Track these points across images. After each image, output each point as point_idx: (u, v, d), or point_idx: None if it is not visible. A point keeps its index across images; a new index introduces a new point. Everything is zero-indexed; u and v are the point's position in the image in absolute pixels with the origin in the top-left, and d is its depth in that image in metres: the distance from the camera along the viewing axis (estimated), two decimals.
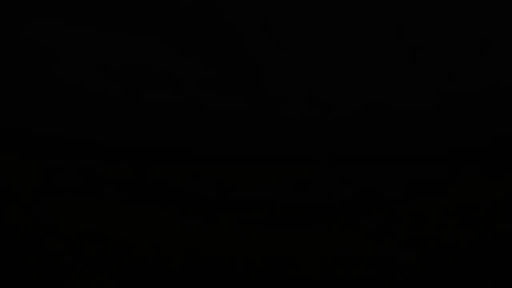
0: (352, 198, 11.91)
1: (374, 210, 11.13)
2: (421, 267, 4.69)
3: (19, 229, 6.89)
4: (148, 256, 5.16)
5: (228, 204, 12.04)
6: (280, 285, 4.08)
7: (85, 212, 9.65)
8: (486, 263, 4.73)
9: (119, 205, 11.40)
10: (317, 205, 11.73)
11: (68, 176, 16.83)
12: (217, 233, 7.46)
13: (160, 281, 4.10)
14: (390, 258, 5.15)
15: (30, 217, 8.46)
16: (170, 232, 7.26)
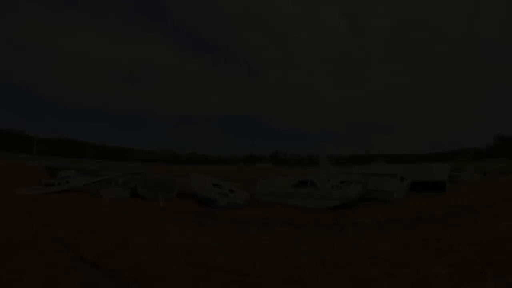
0: (352, 198, 11.89)
1: (373, 210, 11.13)
2: (421, 266, 4.69)
3: (19, 228, 6.89)
4: (147, 255, 5.16)
5: (225, 202, 12.04)
6: (280, 285, 4.07)
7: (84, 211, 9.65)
8: (486, 261, 4.74)
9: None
10: (316, 205, 11.73)
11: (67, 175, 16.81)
12: (216, 232, 7.45)
13: (160, 280, 4.10)
14: (390, 258, 5.15)
15: (30, 216, 8.46)
16: (170, 231, 7.26)
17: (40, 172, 22.58)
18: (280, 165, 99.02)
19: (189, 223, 8.65)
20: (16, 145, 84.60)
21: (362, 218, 9.50)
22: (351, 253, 5.61)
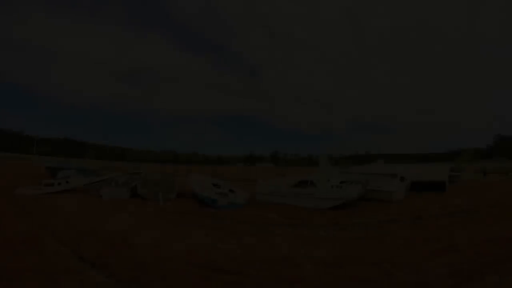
0: (352, 198, 11.89)
1: (373, 210, 11.13)
2: (421, 266, 4.69)
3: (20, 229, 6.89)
4: (148, 255, 5.16)
5: (226, 202, 12.03)
6: (280, 285, 4.07)
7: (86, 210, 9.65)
8: (486, 261, 4.74)
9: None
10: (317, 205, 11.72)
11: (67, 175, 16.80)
12: (216, 232, 7.45)
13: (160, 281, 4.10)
14: (390, 258, 5.15)
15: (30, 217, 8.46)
16: (170, 231, 7.26)
17: (40, 172, 22.56)
18: (280, 165, 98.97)
19: (189, 223, 8.65)
20: (16, 145, 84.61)
21: (362, 218, 9.50)
22: (351, 253, 5.62)
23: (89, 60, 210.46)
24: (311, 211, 11.13)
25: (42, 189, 13.87)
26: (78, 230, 6.91)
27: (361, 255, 5.42)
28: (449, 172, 19.73)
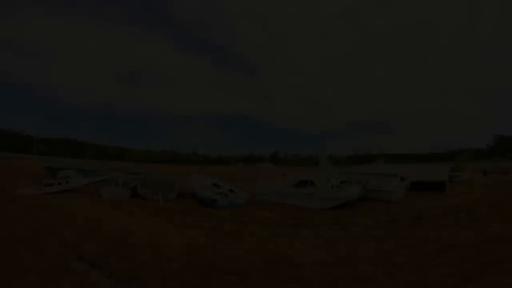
0: (352, 198, 11.90)
1: (373, 210, 11.13)
2: (421, 266, 4.69)
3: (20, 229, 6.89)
4: (148, 255, 5.16)
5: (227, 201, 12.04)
6: (280, 285, 4.07)
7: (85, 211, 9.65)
8: (486, 261, 4.74)
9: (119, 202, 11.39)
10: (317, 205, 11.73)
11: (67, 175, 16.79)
12: (216, 232, 7.45)
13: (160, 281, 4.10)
14: (390, 258, 5.15)
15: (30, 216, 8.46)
16: (170, 231, 7.26)
17: (40, 172, 22.56)
18: (280, 165, 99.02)
19: (189, 223, 8.65)
20: (16, 145, 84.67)
21: (362, 218, 9.49)
22: (351, 253, 5.61)
23: (89, 60, 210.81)
24: (311, 211, 11.13)
25: (42, 189, 13.86)
26: (78, 230, 6.91)
27: (361, 255, 5.42)
28: (449, 172, 19.74)
